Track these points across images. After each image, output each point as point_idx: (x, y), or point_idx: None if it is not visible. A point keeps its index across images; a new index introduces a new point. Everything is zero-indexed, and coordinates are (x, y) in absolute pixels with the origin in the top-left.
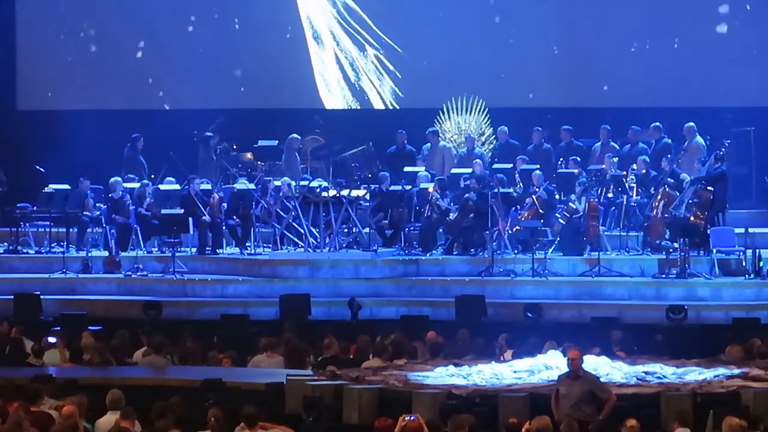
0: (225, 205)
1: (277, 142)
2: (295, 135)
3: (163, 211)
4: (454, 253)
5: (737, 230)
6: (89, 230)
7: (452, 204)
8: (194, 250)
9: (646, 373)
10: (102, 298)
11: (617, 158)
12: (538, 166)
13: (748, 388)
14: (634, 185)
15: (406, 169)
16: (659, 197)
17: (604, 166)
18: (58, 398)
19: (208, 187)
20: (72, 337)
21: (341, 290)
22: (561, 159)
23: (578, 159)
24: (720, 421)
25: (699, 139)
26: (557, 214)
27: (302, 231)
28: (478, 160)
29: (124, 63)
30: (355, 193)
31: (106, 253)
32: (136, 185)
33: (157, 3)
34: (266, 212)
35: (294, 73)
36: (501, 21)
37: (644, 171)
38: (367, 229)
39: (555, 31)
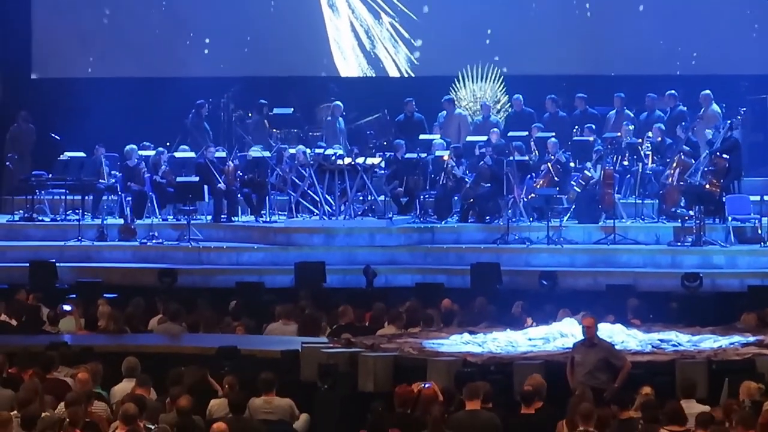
0: (240, 173)
1: (292, 109)
2: (338, 102)
3: (179, 179)
4: (470, 220)
5: (753, 198)
6: (104, 198)
7: (467, 172)
8: (209, 217)
9: (661, 341)
10: (117, 266)
11: (632, 126)
12: (554, 134)
13: (763, 356)
14: (650, 153)
15: (422, 137)
16: (675, 165)
17: (619, 134)
18: (72, 366)
19: (223, 155)
20: (87, 304)
21: (356, 258)
22: (576, 127)
23: (593, 127)
24: (736, 388)
25: (715, 106)
26: (572, 182)
27: (317, 199)
28: (495, 129)
29: (139, 31)
30: (370, 160)
31: (122, 221)
32: (152, 153)
33: None
34: (281, 180)
35: (309, 41)
36: None
37: (660, 139)
38: (382, 197)
39: None
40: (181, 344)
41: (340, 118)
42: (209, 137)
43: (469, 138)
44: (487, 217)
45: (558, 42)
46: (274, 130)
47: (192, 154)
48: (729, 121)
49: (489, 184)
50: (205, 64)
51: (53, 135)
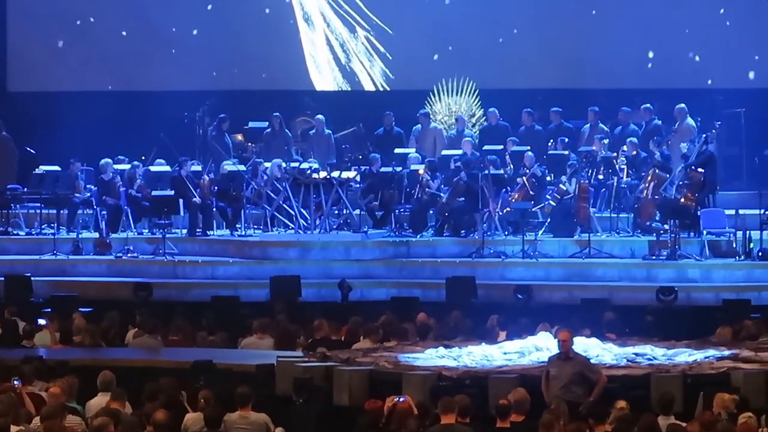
0: (215, 186)
1: (267, 123)
2: (320, 116)
3: (154, 193)
4: (445, 234)
5: (728, 212)
6: (80, 212)
7: (443, 186)
8: (185, 231)
9: (637, 354)
10: (93, 280)
11: (607, 140)
12: (529, 148)
13: (738, 370)
14: (625, 167)
15: (397, 150)
16: (649, 179)
17: (594, 147)
18: (48, 380)
19: (199, 168)
20: (63, 318)
21: (332, 272)
22: (551, 140)
23: (566, 140)
24: (710, 402)
25: (690, 120)
26: (548, 196)
27: (293, 213)
28: (468, 139)
29: (115, 44)
30: (345, 174)
31: (97, 235)
32: (127, 167)
33: None
34: (257, 194)
35: (284, 55)
36: (491, 2)
37: (634, 152)
38: (357, 211)
39: (544, 12)
40: (156, 358)
41: (327, 130)
42: (230, 151)
43: (445, 152)
44: (463, 231)
45: (533, 56)
46: (250, 144)
47: (167, 168)
48: (704, 135)
49: (464, 198)
50: (180, 78)
51: (28, 149)
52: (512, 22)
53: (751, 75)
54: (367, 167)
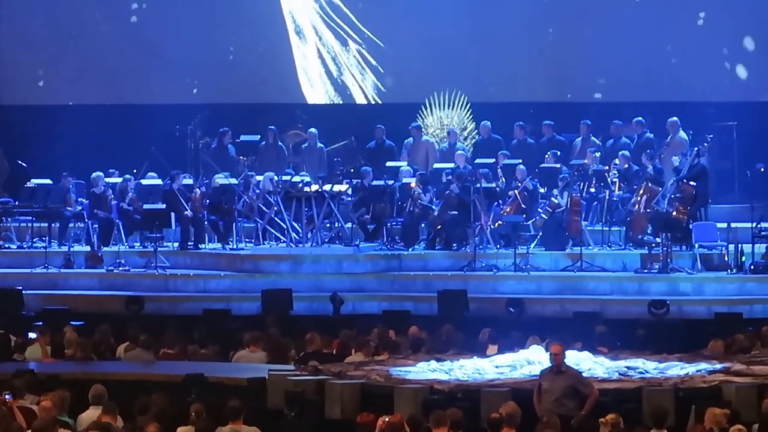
0: (207, 200)
1: (259, 137)
2: (313, 129)
3: (145, 206)
4: (437, 248)
5: (719, 225)
6: (71, 225)
7: (435, 199)
8: (176, 245)
9: (628, 368)
10: (84, 293)
11: (600, 153)
12: (521, 161)
13: (730, 383)
14: (617, 180)
15: (388, 164)
16: (641, 192)
17: (586, 160)
18: (39, 394)
19: (190, 182)
20: (54, 332)
21: (323, 285)
22: (548, 153)
23: (558, 153)
24: (702, 416)
25: (682, 134)
26: (539, 209)
27: (284, 226)
28: (460, 152)
29: (106, 58)
30: (337, 188)
31: (88, 248)
32: (118, 180)
33: None
34: (248, 207)
35: (276, 68)
36: (483, 16)
37: (626, 166)
38: (349, 224)
39: (537, 26)
40: (148, 371)
41: (320, 144)
42: (237, 164)
43: (436, 165)
44: (454, 245)
45: (525, 69)
46: (241, 157)
47: (159, 182)
48: (696, 148)
49: (456, 211)
50: (171, 92)
51: (20, 162)
52: (504, 36)
53: (741, 89)
54: (359, 180)
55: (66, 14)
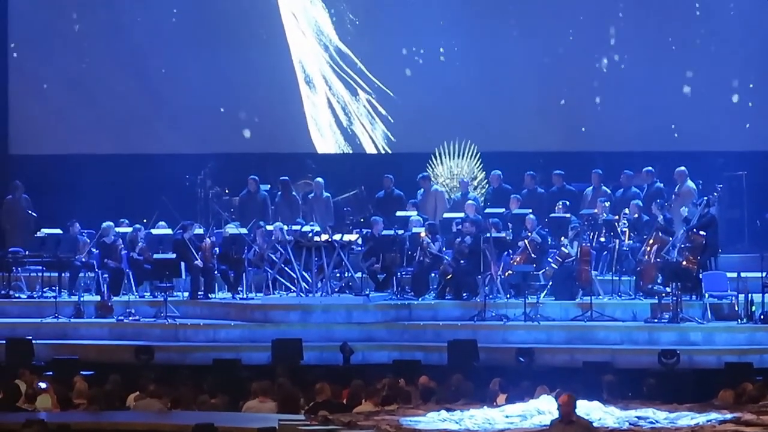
0: (217, 249)
1: (269, 186)
2: (319, 178)
3: (155, 256)
4: (447, 297)
5: (729, 274)
6: (81, 275)
7: (444, 248)
8: (186, 294)
9: (639, 417)
10: (94, 343)
11: (609, 202)
12: (531, 211)
13: None
14: (626, 230)
15: (398, 213)
16: (651, 242)
17: (596, 210)
18: None
19: (201, 231)
20: (64, 381)
21: (333, 335)
22: (559, 203)
23: (567, 203)
24: None
25: (690, 183)
26: (549, 259)
27: (294, 275)
28: (471, 201)
29: (116, 107)
30: (347, 237)
31: (98, 298)
32: (129, 230)
33: (150, 47)
34: (258, 257)
35: (286, 118)
36: (492, 66)
37: (636, 215)
38: (359, 274)
39: (546, 75)
40: (158, 421)
41: (326, 193)
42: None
43: (446, 215)
44: (465, 294)
45: (535, 119)
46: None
47: (169, 231)
48: (705, 198)
49: (466, 261)
50: (181, 141)
51: (30, 212)
52: (514, 85)
53: (751, 138)
54: (369, 230)
55: (76, 64)
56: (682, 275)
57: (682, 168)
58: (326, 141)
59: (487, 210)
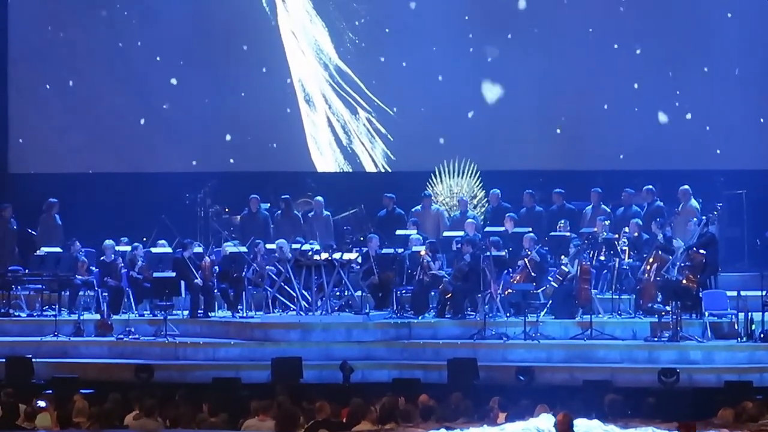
0: (217, 268)
1: (269, 205)
2: (318, 197)
3: (155, 275)
4: (446, 316)
5: (729, 293)
6: (81, 293)
7: (444, 267)
8: (186, 313)
9: None
10: (94, 361)
11: (608, 221)
12: (530, 229)
13: None
14: (626, 248)
15: (398, 232)
16: (651, 260)
17: (596, 229)
18: None
19: (200, 250)
20: (64, 400)
21: (333, 353)
22: (561, 221)
23: (565, 222)
24: None
25: (693, 202)
26: (549, 277)
27: (294, 294)
28: (470, 220)
29: (116, 126)
30: (347, 256)
31: (98, 317)
32: (128, 248)
33: (148, 66)
34: (258, 275)
35: (286, 136)
36: (492, 85)
37: (636, 234)
38: (359, 292)
39: (546, 94)
40: None
41: (326, 212)
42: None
43: (446, 233)
44: (465, 313)
45: (534, 138)
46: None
47: (168, 250)
48: (705, 217)
49: (466, 280)
50: (181, 160)
51: (29, 230)
52: (513, 104)
53: (751, 157)
54: (368, 249)
55: (76, 83)
56: (682, 294)
57: (686, 187)
58: (326, 159)
59: (487, 228)
